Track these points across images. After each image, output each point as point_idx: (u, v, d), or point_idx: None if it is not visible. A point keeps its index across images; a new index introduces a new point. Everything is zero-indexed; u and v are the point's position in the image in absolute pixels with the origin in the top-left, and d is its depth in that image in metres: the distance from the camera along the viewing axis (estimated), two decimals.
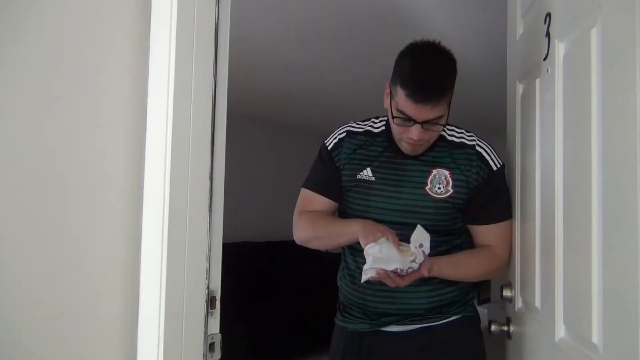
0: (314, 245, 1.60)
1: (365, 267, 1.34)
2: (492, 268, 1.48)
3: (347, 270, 1.58)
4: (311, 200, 1.58)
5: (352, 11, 2.84)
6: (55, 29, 0.98)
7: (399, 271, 1.31)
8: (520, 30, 1.48)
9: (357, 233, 1.41)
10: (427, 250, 1.34)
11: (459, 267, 1.46)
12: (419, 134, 1.36)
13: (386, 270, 1.30)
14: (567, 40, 1.06)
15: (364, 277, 1.35)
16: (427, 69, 1.33)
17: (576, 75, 1.01)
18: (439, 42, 1.38)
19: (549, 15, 1.16)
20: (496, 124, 2.43)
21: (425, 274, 1.34)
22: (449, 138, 1.49)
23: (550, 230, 1.12)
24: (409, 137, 1.38)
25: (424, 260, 1.33)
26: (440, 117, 1.36)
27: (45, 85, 0.96)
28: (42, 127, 0.96)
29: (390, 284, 1.34)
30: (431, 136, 1.40)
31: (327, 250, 1.83)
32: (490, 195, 1.46)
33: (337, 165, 1.54)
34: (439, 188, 1.45)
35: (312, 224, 1.56)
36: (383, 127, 1.54)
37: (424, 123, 1.34)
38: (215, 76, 1.16)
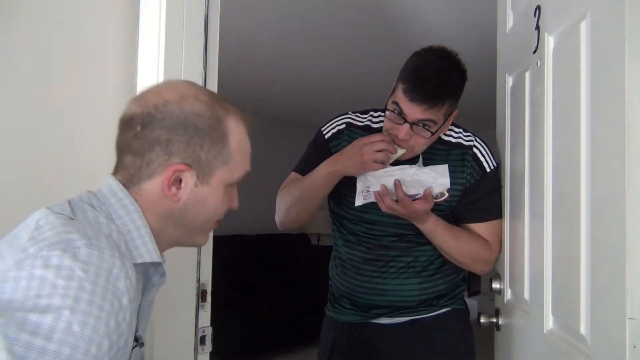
0: (294, 214, 1.52)
1: (358, 188, 1.36)
2: (481, 255, 1.45)
3: (339, 261, 1.57)
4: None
5: (342, 3, 2.83)
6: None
7: (396, 184, 1.32)
8: (510, 23, 1.48)
9: (336, 170, 1.39)
10: (440, 187, 1.35)
11: (452, 235, 1.43)
12: (405, 134, 1.32)
13: (379, 192, 1.32)
14: (557, 33, 1.06)
15: (358, 201, 1.38)
16: (429, 69, 1.30)
17: (566, 68, 1.01)
18: (457, 54, 1.34)
19: (538, 8, 1.16)
20: (486, 117, 2.44)
21: (420, 209, 1.32)
22: (446, 139, 1.47)
23: (539, 222, 1.13)
24: (394, 135, 1.34)
25: (426, 195, 1.32)
26: (432, 122, 1.31)
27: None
28: None
29: (383, 207, 1.33)
30: (417, 142, 1.35)
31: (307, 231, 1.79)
32: (480, 195, 1.44)
33: None
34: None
35: (287, 191, 1.54)
36: (382, 123, 1.49)
37: (413, 124, 1.31)
38: (205, 68, 1.16)
